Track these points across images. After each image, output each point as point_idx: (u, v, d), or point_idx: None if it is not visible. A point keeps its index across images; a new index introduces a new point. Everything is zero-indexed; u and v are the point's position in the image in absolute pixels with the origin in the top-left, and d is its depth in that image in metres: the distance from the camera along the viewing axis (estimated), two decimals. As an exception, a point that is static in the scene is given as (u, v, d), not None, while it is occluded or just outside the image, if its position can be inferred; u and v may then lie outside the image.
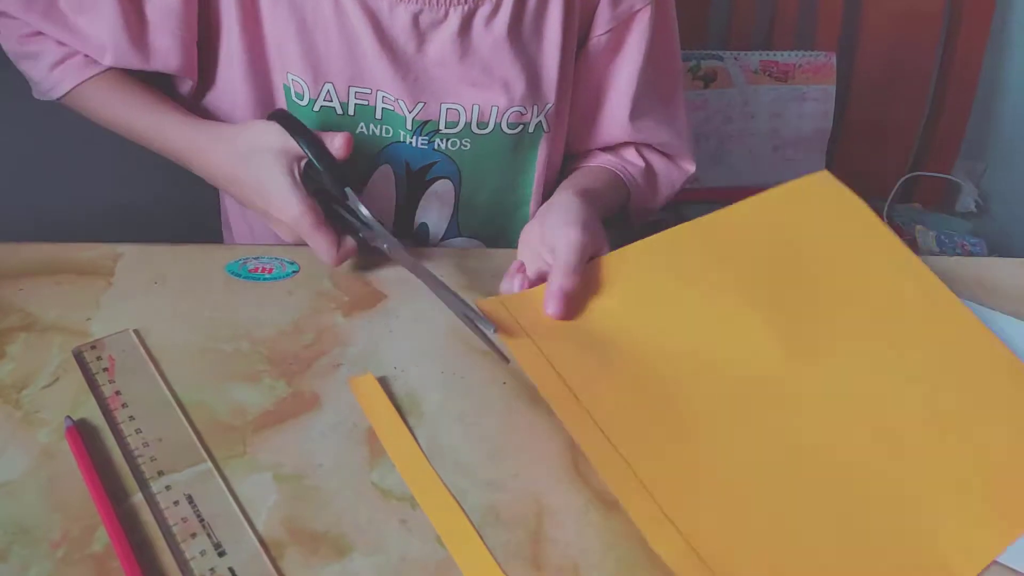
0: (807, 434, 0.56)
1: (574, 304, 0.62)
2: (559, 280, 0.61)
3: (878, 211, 1.42)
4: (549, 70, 0.75)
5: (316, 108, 0.72)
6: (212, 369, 0.59)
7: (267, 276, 0.67)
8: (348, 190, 0.67)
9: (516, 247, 0.69)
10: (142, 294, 0.65)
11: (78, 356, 0.59)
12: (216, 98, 0.76)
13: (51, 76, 0.73)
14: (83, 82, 0.73)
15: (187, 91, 0.76)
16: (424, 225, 0.81)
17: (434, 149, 0.75)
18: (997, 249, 1.41)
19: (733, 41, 1.40)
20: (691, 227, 0.68)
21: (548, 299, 0.61)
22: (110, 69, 0.73)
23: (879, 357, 0.61)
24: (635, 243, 0.66)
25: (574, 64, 0.78)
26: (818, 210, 0.70)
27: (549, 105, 0.76)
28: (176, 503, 0.50)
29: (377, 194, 0.78)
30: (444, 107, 0.73)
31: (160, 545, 0.48)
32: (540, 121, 0.76)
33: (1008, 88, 1.51)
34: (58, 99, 0.75)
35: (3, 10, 0.72)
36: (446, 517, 0.51)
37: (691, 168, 0.87)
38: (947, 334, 0.64)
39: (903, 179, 1.49)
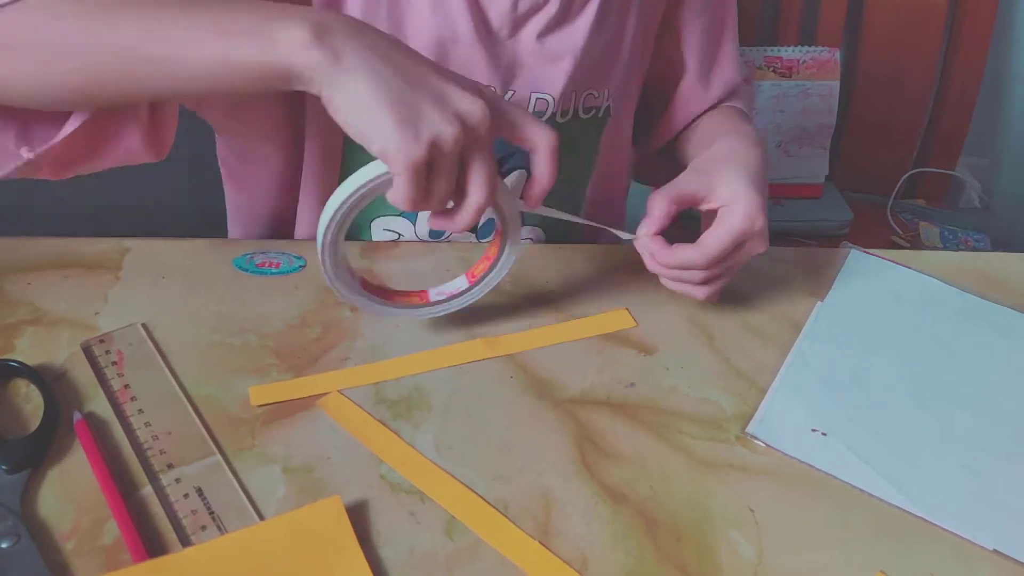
0: None
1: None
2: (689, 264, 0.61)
3: (882, 207, 1.44)
4: (624, 53, 0.74)
5: None
6: (220, 362, 0.59)
7: (274, 270, 0.68)
8: None
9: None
10: (150, 288, 0.65)
11: (87, 350, 0.59)
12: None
13: None
14: None
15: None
16: (491, 220, 0.79)
17: None
18: (1001, 244, 1.41)
19: (737, 36, 1.40)
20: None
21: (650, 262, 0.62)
22: None
23: None
24: None
25: (658, 43, 0.78)
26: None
27: (616, 86, 0.75)
28: (186, 496, 0.50)
29: None
30: (535, 96, 0.71)
31: (170, 538, 0.48)
32: (608, 105, 0.75)
33: (1012, 84, 1.51)
34: None
35: None
36: (461, 503, 0.51)
37: (748, 81, 0.89)
38: None
39: (907, 175, 1.49)
